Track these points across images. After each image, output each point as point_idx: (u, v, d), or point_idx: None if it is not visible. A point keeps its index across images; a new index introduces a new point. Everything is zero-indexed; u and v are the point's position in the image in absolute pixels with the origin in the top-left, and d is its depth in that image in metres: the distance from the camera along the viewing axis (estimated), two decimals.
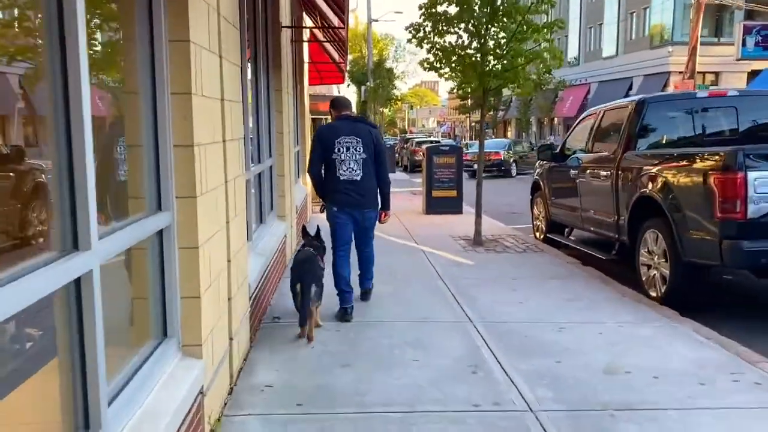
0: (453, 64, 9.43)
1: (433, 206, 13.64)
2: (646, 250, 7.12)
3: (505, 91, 54.57)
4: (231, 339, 4.25)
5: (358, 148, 5.54)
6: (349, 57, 61.84)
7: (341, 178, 5.53)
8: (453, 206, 13.63)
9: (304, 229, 6.11)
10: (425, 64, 9.89)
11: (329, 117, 6.31)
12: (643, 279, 7.15)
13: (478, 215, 9.83)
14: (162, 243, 3.25)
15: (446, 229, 11.42)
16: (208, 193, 3.57)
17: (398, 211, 13.47)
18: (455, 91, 16.00)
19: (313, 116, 29.52)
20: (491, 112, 56.66)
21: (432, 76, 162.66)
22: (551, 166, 10.35)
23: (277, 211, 7.92)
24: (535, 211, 11.13)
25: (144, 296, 3.23)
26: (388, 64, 40.80)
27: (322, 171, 5.74)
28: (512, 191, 19.71)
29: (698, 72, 28.28)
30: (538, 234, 10.92)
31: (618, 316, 5.95)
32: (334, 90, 29.35)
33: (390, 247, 9.42)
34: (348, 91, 71.50)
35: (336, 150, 5.52)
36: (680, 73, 39.88)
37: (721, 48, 38.01)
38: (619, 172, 7.77)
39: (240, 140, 4.67)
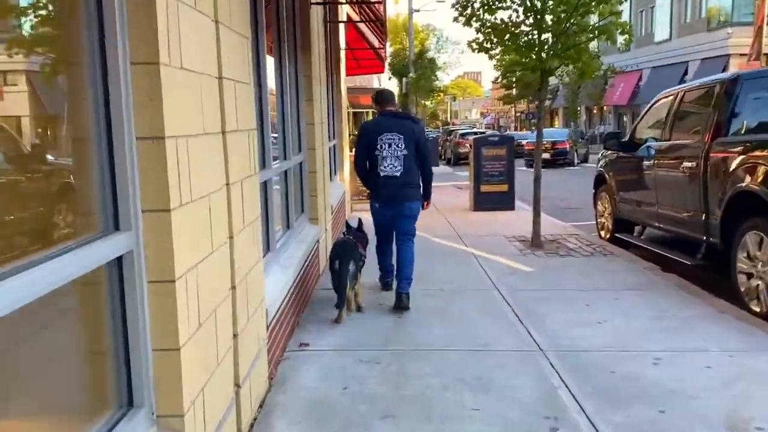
0: (507, 43, 8.28)
1: (482, 202, 12.51)
2: (746, 254, 5.91)
3: (552, 80, 53.04)
4: (238, 387, 3.29)
5: (399, 145, 5.61)
6: (390, 49, 60.92)
7: (382, 174, 5.63)
8: (504, 202, 12.48)
9: (346, 223, 6.33)
10: (473, 45, 8.78)
11: (370, 111, 5.92)
12: (742, 290, 5.94)
13: (537, 213, 8.68)
14: (122, 275, 2.29)
15: (498, 228, 10.30)
16: (194, 202, 2.60)
17: (443, 207, 12.41)
18: (503, 77, 14.82)
19: (354, 110, 28.66)
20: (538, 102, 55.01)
21: (475, 66, 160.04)
22: (619, 156, 9.14)
23: (308, 213, 6.95)
24: (600, 207, 9.91)
25: (100, 351, 2.32)
26: (430, 55, 39.40)
27: (367, 165, 5.85)
28: (568, 182, 18.44)
29: (764, 53, 26.16)
30: (603, 233, 9.71)
31: (723, 342, 4.78)
32: (374, 81, 28.33)
33: (436, 250, 8.38)
34: (389, 83, 70.52)
35: (378, 147, 5.61)
36: (742, 55, 37.69)
37: None
38: (708, 163, 6.54)
39: (250, 132, 3.73)
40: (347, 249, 5.43)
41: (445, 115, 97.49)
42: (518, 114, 69.63)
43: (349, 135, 14.47)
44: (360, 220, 6.22)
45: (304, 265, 5.65)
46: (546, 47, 8.17)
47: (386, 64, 17.86)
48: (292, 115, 6.39)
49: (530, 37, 8.21)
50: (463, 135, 31.94)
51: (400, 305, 5.58)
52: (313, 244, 6.41)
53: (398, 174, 5.62)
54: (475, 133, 33.08)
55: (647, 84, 45.05)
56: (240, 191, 3.37)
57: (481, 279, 6.85)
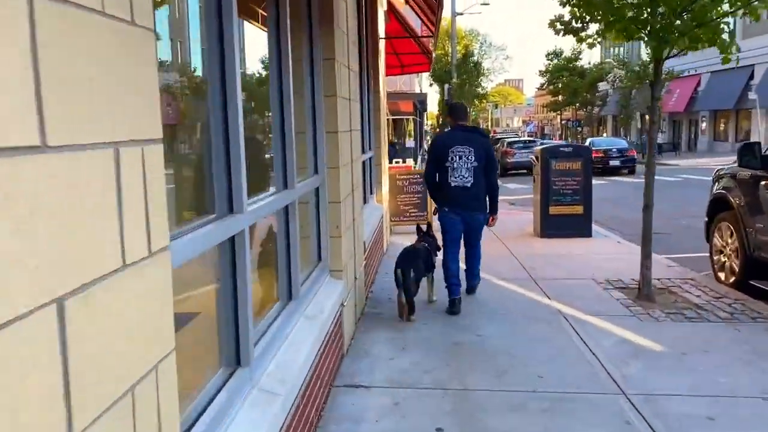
0: (609, 17, 5.86)
1: (551, 227, 10.07)
2: None
3: (602, 85, 49.87)
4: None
5: (470, 157, 5.76)
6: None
7: (452, 184, 5.80)
8: (579, 227, 10.02)
9: (418, 227, 6.47)
10: (557, 25, 6.43)
11: (411, 118, 7.24)
12: None
13: (647, 254, 6.18)
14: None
15: (581, 265, 7.86)
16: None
17: (502, 232, 10.00)
18: (550, 83, 12.84)
19: (393, 116, 26.44)
20: (587, 108, 52.03)
21: (517, 73, 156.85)
22: (755, 176, 6.64)
23: (328, 263, 4.63)
24: (718, 241, 7.40)
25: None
26: (474, 59, 36.76)
27: (437, 176, 5.99)
28: (633, 196, 15.86)
29: None
30: (724, 276, 7.19)
31: None
32: (416, 85, 26.02)
33: (508, 306, 6.00)
34: (430, 90, 68.06)
35: (449, 159, 5.79)
36: None
37: None
38: None
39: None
40: (409, 256, 5.62)
41: (486, 123, 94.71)
42: (563, 122, 66.57)
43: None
44: (429, 224, 6.51)
45: (308, 379, 3.30)
46: (666, 22, 5.75)
47: (432, 60, 15.49)
48: (305, 119, 4.15)
49: (644, 10, 5.80)
50: (510, 143, 29.30)
51: (472, 293, 6.35)
52: (332, 318, 4.06)
53: (469, 185, 5.79)
54: (524, 142, 30.49)
55: (706, 89, 41.75)
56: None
57: (591, 368, 4.42)
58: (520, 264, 7.96)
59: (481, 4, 41.07)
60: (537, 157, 10.46)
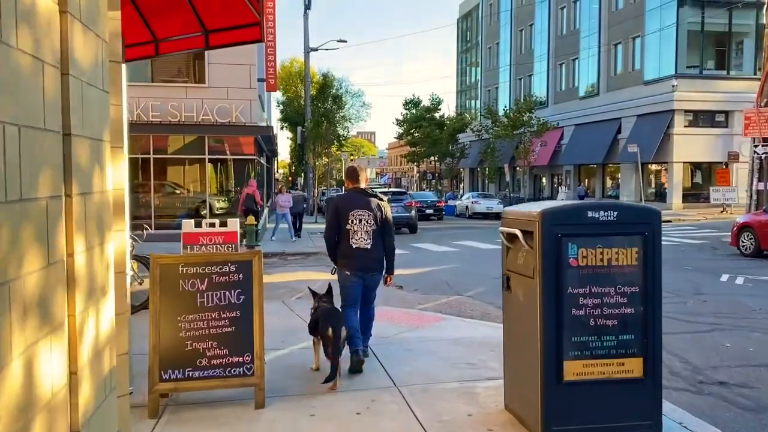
0: None
1: (572, 415, 3.81)
2: None
3: (462, 136, 45.82)
4: None
5: (369, 221, 5.71)
6: (281, 97, 52.20)
7: (353, 246, 5.70)
8: (633, 411, 3.84)
9: (310, 290, 6.25)
10: None
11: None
12: None
13: None
14: None
15: None
16: None
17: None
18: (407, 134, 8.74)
19: (228, 156, 19.47)
20: (447, 159, 47.98)
21: (369, 126, 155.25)
22: None
23: None
24: None
25: None
26: (331, 102, 30.84)
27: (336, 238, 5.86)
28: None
29: None
30: None
31: None
32: (256, 115, 19.22)
33: None
34: (281, 134, 61.24)
35: (350, 221, 5.69)
36: (687, 111, 32.32)
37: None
38: None
39: None
40: (337, 315, 5.50)
41: (339, 174, 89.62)
42: (420, 173, 62.65)
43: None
44: (330, 286, 6.04)
45: None
46: None
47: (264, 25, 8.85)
48: None
49: None
50: (396, 195, 23.37)
51: (357, 369, 5.57)
52: None
53: (369, 247, 5.70)
54: (393, 194, 24.80)
55: (571, 142, 39.11)
56: None
57: None
58: None
59: (337, 41, 35.45)
60: (537, 234, 4.05)
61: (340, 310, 5.62)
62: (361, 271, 5.72)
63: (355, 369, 5.53)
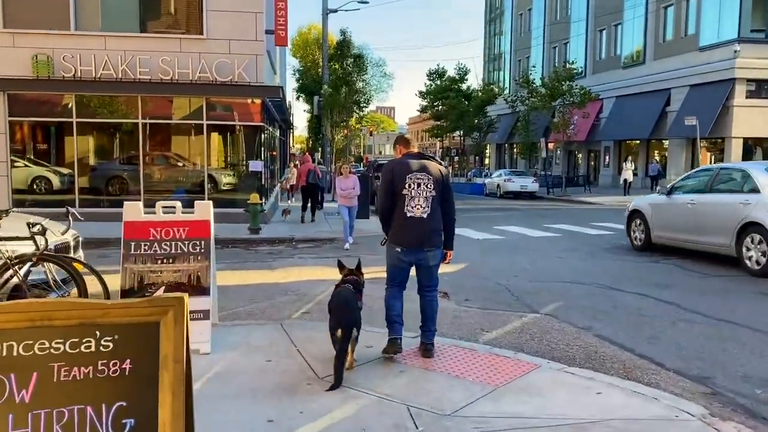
0: None
1: None
2: None
3: (491, 109, 42.22)
4: None
5: (429, 185, 4.91)
6: (298, 65, 48.85)
7: (408, 214, 4.90)
8: None
9: (339, 263, 5.31)
10: None
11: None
12: None
13: None
14: None
15: None
16: None
17: None
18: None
19: (238, 123, 16.42)
20: (474, 134, 44.60)
21: (388, 102, 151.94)
22: None
23: None
24: None
25: None
26: (355, 51, 27.13)
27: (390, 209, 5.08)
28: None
29: None
30: None
31: None
32: (263, 72, 16.11)
33: None
34: (297, 106, 57.87)
35: (407, 185, 4.90)
36: (750, 80, 28.69)
37: None
38: None
39: None
40: (350, 309, 4.65)
41: (358, 150, 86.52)
42: (443, 149, 59.28)
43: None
44: (359, 261, 5.32)
45: None
46: None
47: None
48: None
49: None
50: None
51: (428, 355, 4.94)
52: None
53: (425, 216, 4.87)
54: None
55: (612, 116, 35.53)
56: None
57: None
58: None
59: (359, 2, 32.08)
60: None
61: (353, 298, 4.79)
62: (415, 247, 4.93)
63: (391, 351, 4.87)
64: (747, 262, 9.11)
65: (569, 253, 11.36)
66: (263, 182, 17.26)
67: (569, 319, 6.58)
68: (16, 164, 15.70)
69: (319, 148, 41.28)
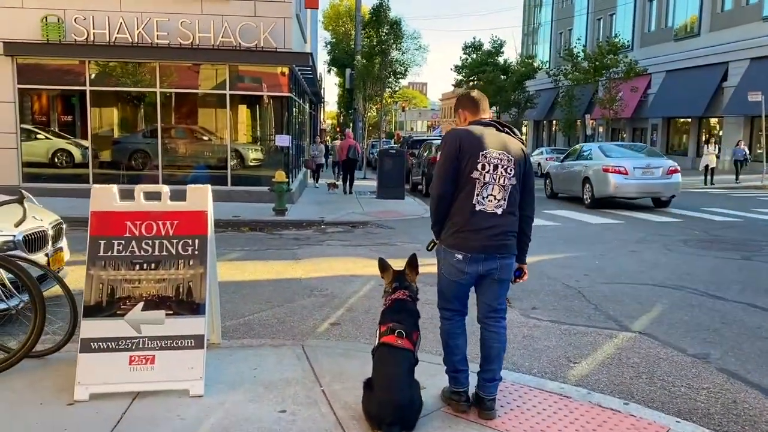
0: None
1: None
2: None
3: (530, 83, 40.03)
4: None
5: (509, 169, 3.39)
6: (329, 37, 47.17)
7: (477, 208, 3.36)
8: None
9: (382, 262, 3.64)
10: None
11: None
12: None
13: None
14: None
15: None
16: None
17: None
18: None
19: (264, 93, 14.82)
20: (512, 110, 42.56)
21: (421, 77, 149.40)
22: None
23: None
24: None
25: None
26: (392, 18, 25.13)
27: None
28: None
29: None
30: None
31: None
32: (290, 36, 14.57)
33: None
34: (329, 80, 55.95)
35: (480, 167, 3.35)
36: None
37: None
38: None
39: None
40: (402, 389, 3.13)
41: (389, 126, 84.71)
42: None
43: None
44: (414, 256, 3.60)
45: None
46: None
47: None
48: None
49: None
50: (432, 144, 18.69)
51: (488, 415, 3.36)
52: None
53: (500, 212, 3.37)
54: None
55: (660, 92, 33.25)
56: None
57: None
58: None
59: None
60: None
61: (410, 369, 3.18)
62: (484, 255, 3.35)
63: (452, 407, 3.40)
64: (585, 199, 15.15)
65: (641, 245, 9.73)
66: (290, 159, 15.86)
67: (674, 342, 5.04)
68: (38, 136, 14.57)
69: (350, 124, 39.75)
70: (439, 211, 3.47)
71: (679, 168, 14.86)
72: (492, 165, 3.35)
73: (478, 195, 3.34)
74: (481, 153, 3.34)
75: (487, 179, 3.35)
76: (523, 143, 3.56)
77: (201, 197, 3.96)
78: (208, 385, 3.71)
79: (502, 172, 3.36)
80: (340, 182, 18.72)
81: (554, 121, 44.26)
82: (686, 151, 32.00)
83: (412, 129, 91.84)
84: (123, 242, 3.82)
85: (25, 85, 14.03)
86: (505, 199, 3.38)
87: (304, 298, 6.40)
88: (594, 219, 12.92)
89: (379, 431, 3.08)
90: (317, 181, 20.76)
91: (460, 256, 3.36)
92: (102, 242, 3.80)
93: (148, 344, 3.68)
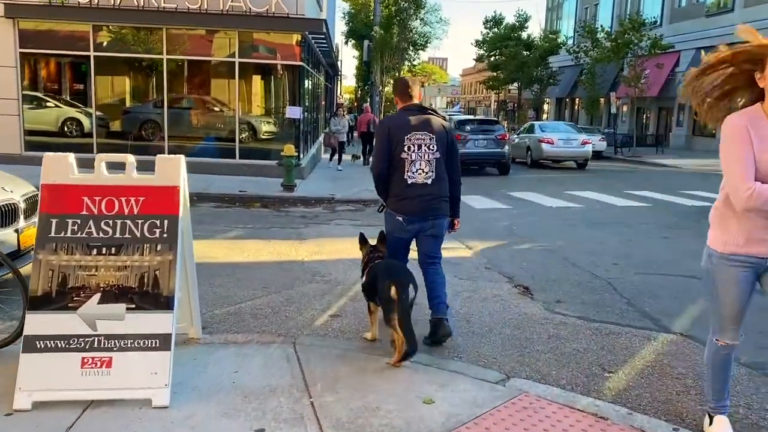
0: None
1: None
2: None
3: (553, 60, 38.89)
4: None
5: (431, 146, 4.25)
6: (348, 7, 46.12)
7: (409, 181, 4.23)
8: None
9: (361, 236, 4.55)
10: None
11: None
12: None
13: None
14: None
15: None
16: None
17: None
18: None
19: (275, 62, 14.31)
20: (534, 87, 41.45)
21: (441, 52, 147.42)
22: None
23: None
24: None
25: None
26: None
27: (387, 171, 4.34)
28: None
29: None
30: None
31: None
32: (304, 3, 13.80)
33: None
34: (346, 48, 54.76)
35: (406, 148, 4.20)
36: None
37: None
38: None
39: None
40: (402, 269, 3.96)
41: None
42: (502, 101, 56.08)
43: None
44: (383, 233, 4.41)
45: None
46: None
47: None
48: None
49: None
50: (461, 125, 17.94)
51: (443, 333, 4.21)
52: None
53: (429, 181, 4.24)
54: (479, 122, 19.54)
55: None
56: None
57: None
58: None
59: None
60: None
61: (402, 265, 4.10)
62: (420, 216, 4.26)
63: (438, 335, 4.25)
64: (527, 161, 20.48)
65: (673, 231, 9.00)
66: (301, 131, 15.20)
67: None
68: (41, 104, 14.05)
69: (368, 98, 38.95)
70: (379, 186, 4.34)
71: (590, 140, 21.27)
72: (416, 145, 4.14)
73: (407, 171, 4.15)
74: (406, 137, 4.13)
75: (413, 157, 4.15)
76: (444, 119, 4.38)
77: (173, 170, 3.33)
78: (178, 392, 3.13)
79: (425, 150, 4.16)
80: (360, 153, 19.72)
81: (577, 99, 42.99)
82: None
83: (431, 105, 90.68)
84: (79, 221, 3.22)
85: (27, 50, 13.46)
86: (432, 171, 4.18)
87: (305, 284, 5.81)
88: (619, 201, 12.17)
89: (392, 288, 3.65)
90: (339, 163, 17.70)
91: (401, 218, 4.21)
92: (54, 221, 3.21)
93: (104, 344, 3.10)
